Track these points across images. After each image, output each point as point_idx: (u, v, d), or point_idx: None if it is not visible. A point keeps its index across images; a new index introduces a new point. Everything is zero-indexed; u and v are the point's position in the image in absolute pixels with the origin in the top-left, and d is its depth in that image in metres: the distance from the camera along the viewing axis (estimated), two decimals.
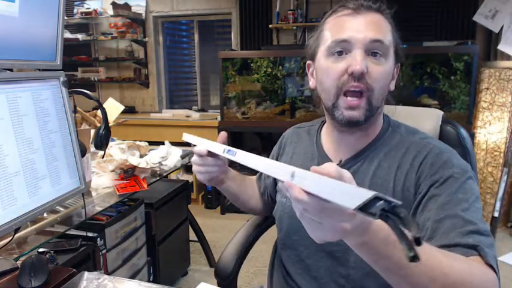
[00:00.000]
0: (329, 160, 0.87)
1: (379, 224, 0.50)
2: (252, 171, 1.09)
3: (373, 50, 0.74)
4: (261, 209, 1.07)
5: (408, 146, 0.79)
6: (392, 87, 0.82)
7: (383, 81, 0.76)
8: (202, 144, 0.84)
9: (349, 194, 0.44)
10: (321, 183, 0.47)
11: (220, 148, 0.77)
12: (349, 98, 0.75)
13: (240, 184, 1.01)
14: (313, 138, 0.93)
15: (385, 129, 0.84)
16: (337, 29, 0.76)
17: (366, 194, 0.42)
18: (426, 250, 0.53)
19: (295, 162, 0.93)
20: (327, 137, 0.90)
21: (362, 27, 0.74)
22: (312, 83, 0.87)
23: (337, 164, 0.85)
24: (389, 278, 0.56)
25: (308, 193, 0.45)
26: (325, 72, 0.78)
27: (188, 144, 0.93)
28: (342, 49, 0.75)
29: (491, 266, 0.61)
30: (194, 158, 0.87)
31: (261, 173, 1.09)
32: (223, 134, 0.82)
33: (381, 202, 0.42)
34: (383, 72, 0.75)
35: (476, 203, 0.70)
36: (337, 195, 0.45)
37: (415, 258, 0.42)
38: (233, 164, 0.86)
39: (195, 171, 0.85)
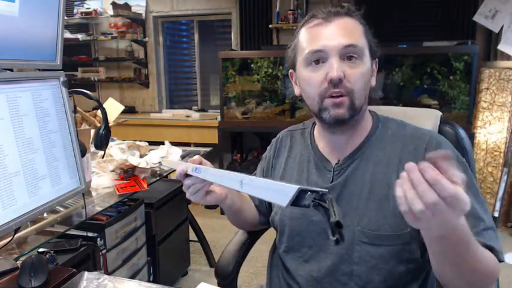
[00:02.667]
0: (326, 161, 0.88)
1: (464, 229, 0.57)
2: None
3: (348, 55, 0.77)
4: (258, 221, 1.06)
5: (403, 140, 0.82)
6: (373, 83, 0.85)
7: (362, 82, 0.79)
8: (177, 166, 0.84)
9: (280, 191, 0.47)
10: (260, 186, 0.51)
11: (190, 168, 0.79)
12: (333, 96, 0.78)
13: (240, 198, 0.99)
14: (307, 141, 0.94)
15: (376, 125, 0.86)
16: (311, 39, 0.80)
17: (292, 190, 0.46)
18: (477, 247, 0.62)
19: (291, 166, 0.94)
20: (321, 138, 0.91)
21: (334, 35, 0.77)
22: (296, 90, 0.90)
23: (335, 164, 0.86)
24: (443, 265, 0.65)
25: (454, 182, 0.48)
26: (306, 82, 0.82)
27: (188, 145, 0.93)
28: (318, 58, 0.79)
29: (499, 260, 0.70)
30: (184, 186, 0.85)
31: None
32: (197, 157, 0.82)
33: (309, 193, 0.45)
34: (360, 73, 0.78)
35: (479, 195, 0.75)
36: (272, 194, 0.48)
37: (337, 241, 0.48)
38: None
39: (188, 197, 0.83)
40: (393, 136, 0.83)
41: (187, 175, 0.80)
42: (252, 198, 1.06)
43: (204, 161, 0.82)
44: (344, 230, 0.80)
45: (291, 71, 0.90)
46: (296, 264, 0.89)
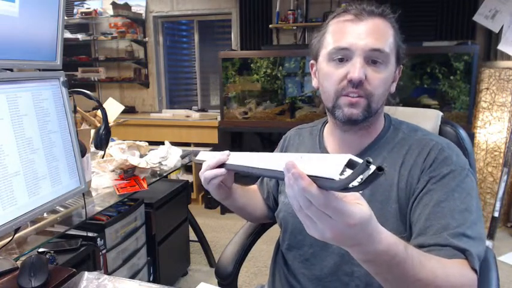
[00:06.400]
0: None
1: (385, 248, 0.52)
2: (251, 182, 1.09)
3: (372, 58, 0.75)
4: (266, 215, 1.07)
5: (411, 144, 0.81)
6: (393, 89, 0.83)
7: (383, 87, 0.77)
8: (211, 157, 0.81)
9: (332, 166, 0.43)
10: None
11: (226, 155, 0.77)
12: (349, 95, 0.76)
13: (244, 196, 0.99)
14: (315, 139, 0.94)
15: (387, 128, 0.85)
16: (339, 35, 0.77)
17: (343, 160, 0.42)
18: (414, 254, 0.57)
19: None
20: (330, 137, 0.91)
21: (363, 35, 0.74)
22: (314, 82, 0.88)
23: None
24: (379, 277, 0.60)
25: (318, 186, 0.45)
26: (325, 76, 0.80)
27: (188, 145, 0.92)
28: (342, 56, 0.76)
29: (475, 270, 0.65)
30: (207, 172, 0.80)
31: (262, 178, 1.08)
32: (226, 152, 0.79)
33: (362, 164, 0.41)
34: (382, 79, 0.76)
35: (472, 202, 0.72)
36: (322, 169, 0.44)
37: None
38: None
39: (207, 179, 0.79)
40: (403, 140, 0.82)
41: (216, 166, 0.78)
42: (261, 192, 1.06)
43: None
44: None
45: (312, 61, 0.88)
46: (297, 262, 0.89)
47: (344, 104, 0.77)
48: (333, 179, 0.42)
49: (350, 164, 0.42)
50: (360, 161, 0.42)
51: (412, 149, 0.79)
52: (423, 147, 0.79)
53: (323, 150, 0.90)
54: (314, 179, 0.45)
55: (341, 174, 0.42)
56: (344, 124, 0.80)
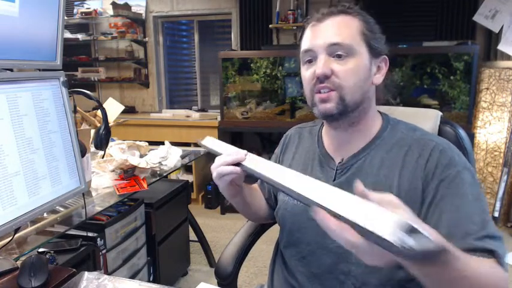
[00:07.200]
0: (330, 158, 0.88)
1: (455, 264, 0.53)
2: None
3: (336, 53, 0.78)
4: (268, 215, 1.07)
5: (410, 144, 0.81)
6: (377, 80, 0.84)
7: (353, 78, 0.79)
8: (225, 149, 0.81)
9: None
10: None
11: (243, 154, 0.78)
12: (321, 92, 0.80)
13: (250, 194, 0.99)
14: (314, 138, 0.95)
15: (385, 127, 0.86)
16: (305, 40, 0.84)
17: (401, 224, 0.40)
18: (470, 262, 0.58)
19: (297, 162, 0.95)
20: (327, 136, 0.92)
21: (322, 34, 0.80)
22: None
23: (339, 163, 0.86)
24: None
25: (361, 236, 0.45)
26: (302, 79, 0.85)
27: (188, 145, 0.91)
28: (309, 57, 0.82)
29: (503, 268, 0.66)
30: (222, 166, 0.80)
31: None
32: (244, 151, 0.79)
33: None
34: (349, 70, 0.78)
35: (482, 200, 0.73)
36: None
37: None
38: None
39: (220, 175, 0.79)
40: (401, 140, 0.82)
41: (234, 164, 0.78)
42: (263, 192, 1.07)
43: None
44: None
45: None
46: (295, 259, 0.89)
47: (318, 101, 0.81)
48: (392, 243, 0.40)
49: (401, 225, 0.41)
50: (418, 228, 0.41)
51: (412, 150, 0.79)
52: (423, 149, 0.78)
53: (321, 149, 0.91)
54: (361, 229, 0.44)
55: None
56: (325, 121, 0.84)
